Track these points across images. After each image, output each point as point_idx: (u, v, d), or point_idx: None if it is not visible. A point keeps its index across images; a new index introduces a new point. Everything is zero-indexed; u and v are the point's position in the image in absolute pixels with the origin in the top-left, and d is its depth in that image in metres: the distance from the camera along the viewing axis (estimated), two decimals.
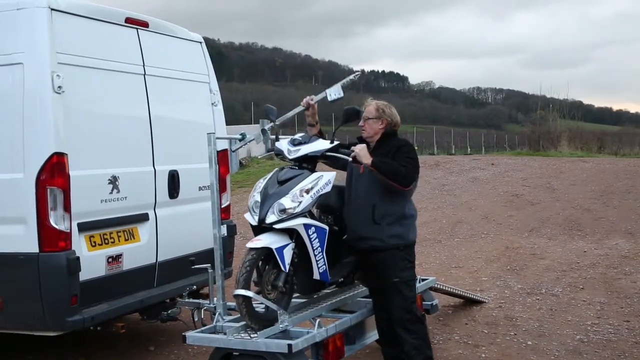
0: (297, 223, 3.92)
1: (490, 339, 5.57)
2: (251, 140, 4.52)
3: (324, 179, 4.10)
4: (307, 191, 3.98)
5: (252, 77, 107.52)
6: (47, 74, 4.18)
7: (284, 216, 3.90)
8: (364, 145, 4.27)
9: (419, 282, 5.33)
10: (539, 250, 8.85)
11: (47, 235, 4.16)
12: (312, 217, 4.13)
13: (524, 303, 6.57)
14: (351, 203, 4.39)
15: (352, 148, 4.23)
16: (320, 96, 4.45)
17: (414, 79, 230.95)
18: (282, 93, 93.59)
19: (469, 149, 45.60)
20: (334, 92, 4.38)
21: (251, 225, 4.07)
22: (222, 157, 5.39)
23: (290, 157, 4.18)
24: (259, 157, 17.99)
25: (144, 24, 5.04)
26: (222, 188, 5.05)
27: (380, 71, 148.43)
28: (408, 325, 4.28)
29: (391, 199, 4.27)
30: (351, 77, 4.57)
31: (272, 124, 4.45)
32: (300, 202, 3.92)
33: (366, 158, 4.18)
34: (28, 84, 4.20)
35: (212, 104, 5.69)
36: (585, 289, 7.01)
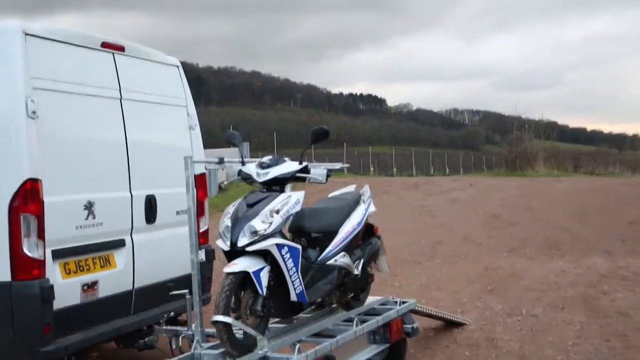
0: (269, 244, 3.89)
1: None
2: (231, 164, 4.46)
3: (294, 199, 4.09)
4: (277, 211, 3.96)
5: (231, 101, 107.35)
6: (22, 99, 4.12)
7: (256, 238, 3.87)
8: None
9: (399, 305, 5.31)
10: (519, 270, 8.88)
11: (20, 263, 4.07)
12: (285, 239, 4.10)
13: (505, 324, 6.57)
14: None
15: None
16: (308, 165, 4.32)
17: (391, 101, 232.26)
18: (261, 116, 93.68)
19: (447, 170, 45.96)
20: (319, 176, 4.26)
21: (223, 250, 4.02)
22: (201, 181, 5.33)
23: (260, 180, 4.14)
24: (225, 183, 18.09)
25: (120, 48, 5.01)
26: (200, 212, 4.99)
27: (358, 94, 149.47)
28: None
29: None
30: (338, 166, 4.50)
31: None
32: (271, 223, 3.90)
33: None
34: (1, 109, 4.14)
35: (190, 127, 5.65)
36: (565, 308, 7.04)
